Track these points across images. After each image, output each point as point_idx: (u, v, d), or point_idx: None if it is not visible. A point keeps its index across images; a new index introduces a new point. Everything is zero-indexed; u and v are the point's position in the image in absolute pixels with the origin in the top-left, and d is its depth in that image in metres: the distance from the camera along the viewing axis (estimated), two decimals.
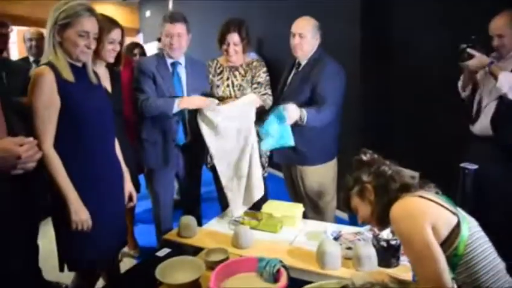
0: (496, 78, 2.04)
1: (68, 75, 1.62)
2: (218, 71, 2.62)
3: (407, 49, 3.09)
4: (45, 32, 1.69)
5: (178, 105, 2.27)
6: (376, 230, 1.69)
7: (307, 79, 2.40)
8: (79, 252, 1.70)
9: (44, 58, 1.65)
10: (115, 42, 2.19)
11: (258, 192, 2.27)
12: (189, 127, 2.43)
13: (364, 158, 1.45)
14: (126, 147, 2.11)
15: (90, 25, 1.63)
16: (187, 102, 2.29)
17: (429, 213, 1.21)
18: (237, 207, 2.25)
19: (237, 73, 2.60)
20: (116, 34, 2.17)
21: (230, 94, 2.55)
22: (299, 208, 2.23)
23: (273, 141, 2.18)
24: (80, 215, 1.62)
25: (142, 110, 2.32)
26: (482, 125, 2.18)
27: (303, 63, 2.49)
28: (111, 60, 2.24)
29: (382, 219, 1.34)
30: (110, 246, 1.82)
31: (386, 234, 1.72)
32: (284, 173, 2.73)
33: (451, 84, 2.47)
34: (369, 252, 1.65)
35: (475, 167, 2.04)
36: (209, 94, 2.54)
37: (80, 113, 1.65)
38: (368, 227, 1.93)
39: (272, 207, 2.21)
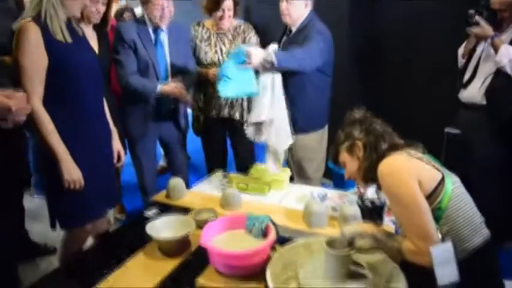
0: (496, 51, 2.07)
1: (65, 36, 1.59)
2: (205, 36, 2.55)
3: (395, 12, 3.07)
4: None
5: (160, 92, 2.25)
6: (360, 188, 1.73)
7: (295, 45, 2.29)
8: (70, 210, 1.71)
9: (30, 10, 1.59)
10: (99, 3, 2.13)
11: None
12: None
13: (357, 115, 1.46)
14: (113, 108, 2.09)
15: None
16: (168, 91, 2.26)
17: (415, 168, 1.25)
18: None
19: (225, 39, 2.54)
20: None
21: (219, 60, 2.51)
22: (286, 172, 2.26)
23: (233, 87, 2.05)
24: (72, 174, 1.62)
25: (121, 85, 2.28)
26: (471, 92, 2.23)
27: (294, 30, 2.38)
28: (96, 20, 2.18)
29: (367, 176, 1.38)
30: (100, 204, 1.83)
31: (371, 194, 1.77)
32: None
33: (440, 51, 2.49)
34: (354, 212, 1.69)
35: (458, 131, 2.11)
36: (196, 60, 2.52)
37: (68, 68, 1.61)
38: (353, 190, 1.98)
39: (260, 171, 2.23)
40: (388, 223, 1.75)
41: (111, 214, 2.92)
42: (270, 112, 2.08)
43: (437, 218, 1.22)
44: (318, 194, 2.02)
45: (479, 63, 2.25)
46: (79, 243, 1.84)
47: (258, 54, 2.03)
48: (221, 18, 2.46)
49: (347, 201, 1.93)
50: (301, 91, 2.30)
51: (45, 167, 1.67)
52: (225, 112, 2.59)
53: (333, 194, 2.06)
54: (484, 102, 2.19)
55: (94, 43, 2.15)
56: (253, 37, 2.57)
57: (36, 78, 1.55)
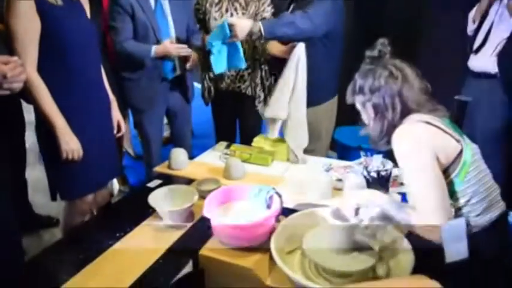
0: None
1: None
2: (216, 0, 2.38)
3: None
4: None
5: (155, 52, 2.16)
6: (366, 158, 1.69)
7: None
8: (70, 181, 1.69)
9: None
10: None
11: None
12: (177, 60, 2.32)
13: (378, 55, 1.29)
14: (110, 75, 2.02)
15: None
16: (163, 50, 2.16)
17: (433, 140, 1.17)
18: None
19: (237, 4, 2.34)
20: None
21: None
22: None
23: (223, 62, 1.99)
24: (71, 144, 1.59)
25: (116, 51, 2.20)
26: (482, 60, 2.15)
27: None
28: None
29: (383, 135, 1.29)
30: (101, 174, 1.80)
31: (377, 165, 1.73)
32: None
33: (449, 16, 2.40)
34: (360, 182, 1.66)
35: (469, 99, 2.05)
36: (202, 25, 2.40)
37: (62, 33, 1.55)
38: (358, 160, 1.95)
39: (263, 141, 2.19)
40: (394, 194, 1.73)
41: (115, 186, 2.92)
42: (287, 111, 2.01)
43: (452, 191, 1.17)
44: (322, 165, 1.98)
45: (492, 28, 2.15)
46: (81, 215, 1.83)
47: (243, 26, 1.88)
48: None
49: (352, 171, 1.90)
50: (307, 60, 2.11)
51: (43, 137, 1.64)
52: (236, 86, 2.48)
53: (337, 164, 2.03)
54: (496, 69, 2.11)
55: (86, 6, 2.05)
56: (267, 7, 2.36)
57: (29, 43, 1.49)
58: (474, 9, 2.26)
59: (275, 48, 2.25)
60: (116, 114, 1.91)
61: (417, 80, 1.26)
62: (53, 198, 1.75)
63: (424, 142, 1.16)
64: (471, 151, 1.20)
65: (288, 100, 2.00)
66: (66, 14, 1.57)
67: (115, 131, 1.92)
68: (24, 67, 1.42)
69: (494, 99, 2.11)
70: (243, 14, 2.34)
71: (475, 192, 1.19)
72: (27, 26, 1.48)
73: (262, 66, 2.48)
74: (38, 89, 1.52)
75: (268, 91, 2.49)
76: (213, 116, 2.72)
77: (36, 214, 2.60)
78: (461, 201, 1.19)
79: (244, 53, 2.27)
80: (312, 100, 2.14)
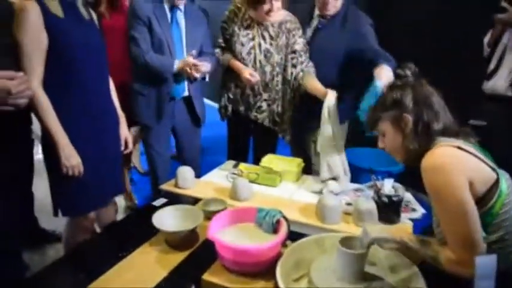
0: None
1: (57, 10, 1.52)
2: (245, 23, 2.27)
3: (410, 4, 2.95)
4: None
5: (177, 67, 2.16)
6: (377, 182, 1.64)
7: (340, 36, 2.17)
8: (72, 198, 1.68)
9: None
10: None
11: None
12: (187, 81, 2.32)
13: (410, 76, 1.25)
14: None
15: None
16: (184, 64, 2.15)
17: (466, 167, 1.09)
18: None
19: (266, 34, 2.26)
20: None
21: (255, 60, 2.29)
22: (299, 163, 2.18)
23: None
24: (71, 160, 1.58)
25: (136, 64, 2.19)
26: (496, 83, 2.12)
27: (329, 15, 2.22)
28: None
29: (409, 157, 1.23)
30: (104, 192, 1.78)
31: (388, 189, 1.68)
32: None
33: (464, 40, 2.37)
34: (370, 207, 1.61)
35: (483, 123, 2.00)
36: (226, 47, 2.36)
37: (69, 50, 1.56)
38: (369, 184, 1.90)
39: (272, 161, 2.16)
40: (405, 220, 1.67)
41: (121, 202, 2.90)
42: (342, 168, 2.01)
43: (486, 224, 1.09)
44: (332, 187, 1.94)
45: (505, 53, 2.13)
46: (83, 232, 1.80)
47: (388, 74, 1.80)
48: (269, 12, 2.14)
49: (362, 195, 1.86)
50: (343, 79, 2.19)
51: (47, 152, 1.63)
52: (252, 115, 2.42)
53: (347, 187, 1.98)
54: (510, 93, 2.07)
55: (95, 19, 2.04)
56: (299, 39, 2.25)
57: (35, 58, 1.50)
58: (489, 34, 2.24)
59: (312, 85, 2.16)
60: (124, 131, 1.90)
61: (443, 102, 1.23)
62: (55, 214, 1.73)
63: (457, 171, 1.08)
64: (506, 181, 1.13)
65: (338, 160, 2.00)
66: (75, 29, 1.58)
67: (122, 148, 1.90)
68: (30, 82, 1.43)
69: (508, 123, 2.07)
70: (271, 44, 2.27)
71: (509, 227, 1.11)
72: (35, 40, 1.49)
73: (284, 99, 2.41)
74: (41, 103, 1.52)
75: (288, 124, 2.44)
76: (228, 132, 2.67)
77: (41, 229, 2.58)
78: (495, 235, 1.11)
79: (270, 83, 2.31)
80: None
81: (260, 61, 2.29)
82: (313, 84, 2.15)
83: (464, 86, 2.33)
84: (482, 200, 1.10)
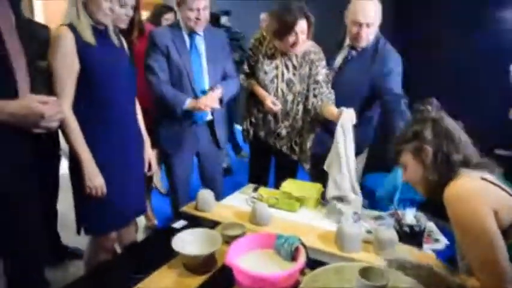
0: None
1: (90, 38, 1.60)
2: (269, 52, 2.28)
3: (439, 39, 2.94)
4: None
5: (188, 106, 2.17)
6: (399, 211, 1.62)
7: (368, 70, 2.21)
8: (95, 217, 1.72)
9: (65, 19, 1.63)
10: (127, 6, 2.06)
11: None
12: None
13: (431, 111, 1.27)
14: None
15: None
16: (195, 106, 2.16)
17: (491, 197, 1.09)
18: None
19: (289, 63, 2.27)
20: None
21: (277, 88, 2.31)
22: (319, 189, 2.17)
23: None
24: (94, 180, 1.63)
25: (152, 92, 2.21)
26: None
27: (359, 48, 2.25)
28: (123, 26, 2.09)
29: (431, 189, 1.23)
30: (127, 212, 1.82)
31: (409, 219, 1.65)
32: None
33: (489, 68, 2.35)
34: (391, 236, 1.58)
35: (510, 153, 1.96)
36: (250, 73, 2.39)
37: (98, 75, 1.63)
38: (390, 211, 1.87)
39: (292, 186, 2.15)
40: (428, 251, 1.63)
41: (141, 222, 2.93)
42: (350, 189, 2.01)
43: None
44: (351, 214, 1.91)
45: None
46: (104, 251, 1.84)
47: None
48: (294, 43, 2.15)
49: (383, 224, 1.83)
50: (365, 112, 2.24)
51: (72, 169, 1.69)
52: (272, 140, 2.43)
53: (367, 214, 1.95)
54: None
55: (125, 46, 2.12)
56: (321, 70, 2.25)
57: (67, 83, 1.59)
58: None
59: (328, 110, 2.18)
60: (148, 153, 1.95)
61: (465, 135, 1.24)
62: (78, 232, 1.77)
63: (481, 201, 1.08)
64: None
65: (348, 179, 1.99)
66: (106, 56, 1.66)
67: (146, 169, 1.94)
68: (61, 106, 1.49)
69: None
70: (294, 74, 2.28)
71: None
72: (67, 66, 1.58)
73: (304, 126, 2.41)
74: (70, 124, 1.60)
75: (308, 154, 2.44)
76: (250, 154, 2.69)
77: (63, 245, 2.62)
78: None
79: (290, 111, 2.33)
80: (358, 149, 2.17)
81: (282, 90, 2.30)
82: (329, 109, 2.16)
83: (491, 115, 2.29)
84: (508, 231, 1.08)
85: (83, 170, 1.62)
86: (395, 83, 2.16)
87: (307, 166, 2.47)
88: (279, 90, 2.31)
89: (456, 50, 2.80)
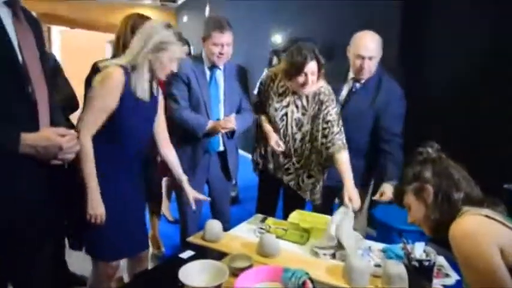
0: None
1: (143, 95, 1.74)
2: (280, 90, 2.32)
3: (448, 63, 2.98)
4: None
5: (209, 125, 2.25)
6: (407, 246, 1.60)
7: (372, 102, 2.34)
8: (98, 242, 1.79)
9: (122, 59, 1.73)
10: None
11: None
12: (223, 135, 2.40)
13: (431, 152, 1.31)
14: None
15: (179, 52, 1.77)
16: (214, 126, 2.25)
17: (496, 234, 1.09)
18: None
19: (299, 103, 2.28)
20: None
21: (286, 126, 2.32)
22: (328, 220, 2.16)
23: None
24: (96, 209, 1.68)
25: (172, 119, 2.27)
26: None
27: (362, 80, 2.38)
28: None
29: (435, 227, 1.25)
30: (127, 245, 1.88)
31: (419, 253, 1.63)
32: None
33: (493, 98, 2.35)
34: (400, 272, 1.56)
35: None
36: (261, 107, 2.43)
37: (126, 123, 1.74)
38: (399, 245, 1.85)
39: (300, 217, 2.15)
40: (437, 286, 1.61)
41: (149, 250, 2.92)
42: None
43: None
44: (360, 248, 1.90)
45: None
46: (107, 279, 1.87)
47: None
48: (304, 84, 2.17)
49: (392, 258, 1.80)
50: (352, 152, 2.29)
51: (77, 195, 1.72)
52: (279, 175, 2.45)
53: (376, 248, 1.93)
54: None
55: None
56: (332, 110, 2.24)
57: (98, 118, 1.67)
58: None
59: (341, 168, 2.20)
60: (189, 191, 2.08)
61: (466, 174, 1.27)
62: (70, 246, 1.87)
63: (487, 238, 1.08)
64: None
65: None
66: (140, 105, 1.76)
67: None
68: (80, 134, 1.58)
69: None
70: (303, 114, 2.29)
71: None
72: (106, 105, 1.66)
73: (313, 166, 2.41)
74: (86, 154, 1.65)
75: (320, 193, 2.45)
76: (258, 184, 2.69)
77: (71, 272, 2.62)
78: None
79: (299, 149, 2.36)
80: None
81: (291, 128, 2.32)
82: (342, 168, 2.18)
83: (503, 149, 2.29)
84: None
85: (88, 197, 1.67)
86: (394, 121, 2.32)
87: (318, 202, 2.46)
88: (289, 128, 2.33)
89: (467, 81, 2.82)
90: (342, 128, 2.27)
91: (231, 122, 2.26)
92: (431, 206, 1.25)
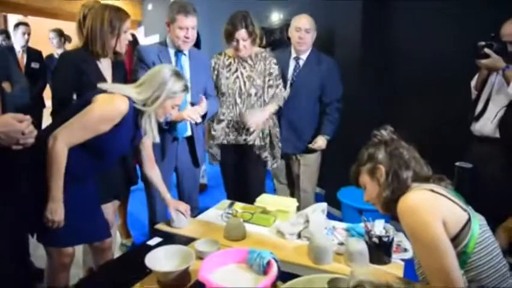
0: (508, 83, 2.03)
1: (154, 138, 1.84)
2: (226, 62, 2.59)
3: (409, 47, 3.08)
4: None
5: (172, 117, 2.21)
6: (367, 224, 1.67)
7: (316, 74, 2.77)
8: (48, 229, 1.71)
9: (132, 92, 1.74)
10: (128, 32, 2.10)
11: None
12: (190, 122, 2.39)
13: (385, 134, 1.38)
14: None
15: (180, 100, 1.84)
16: (179, 116, 2.22)
17: (440, 208, 1.16)
18: None
19: (246, 64, 2.57)
20: (128, 23, 2.08)
21: (240, 86, 2.54)
22: (293, 203, 2.21)
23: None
24: (55, 216, 1.64)
25: None
26: (484, 125, 2.17)
27: (303, 57, 2.82)
28: (124, 51, 2.14)
29: (387, 204, 1.30)
30: (84, 232, 1.86)
31: (378, 230, 1.71)
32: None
33: (452, 82, 2.45)
34: (361, 248, 1.63)
35: (470, 165, 2.04)
36: (217, 88, 2.56)
37: (111, 147, 1.76)
38: (360, 224, 1.92)
39: (266, 201, 2.19)
40: (397, 261, 1.69)
41: (117, 239, 2.90)
42: None
43: (461, 263, 1.14)
44: (325, 227, 1.96)
45: (491, 95, 2.20)
46: (63, 269, 1.83)
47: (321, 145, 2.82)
48: (236, 48, 2.47)
49: (354, 236, 1.87)
50: (304, 118, 2.83)
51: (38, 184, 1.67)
52: (242, 138, 2.59)
53: (340, 227, 2.00)
54: (497, 135, 2.12)
55: (108, 72, 2.13)
56: (274, 65, 2.59)
57: (84, 135, 1.64)
58: (475, 77, 2.32)
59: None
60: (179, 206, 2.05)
61: (417, 154, 1.34)
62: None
63: (431, 212, 1.15)
64: (478, 222, 1.19)
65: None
66: (129, 136, 1.80)
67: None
68: (57, 141, 1.59)
69: (496, 164, 2.10)
70: (251, 71, 2.55)
71: (484, 266, 1.15)
72: (98, 129, 1.65)
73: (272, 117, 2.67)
74: (58, 161, 1.61)
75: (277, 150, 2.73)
76: (222, 174, 2.81)
77: (36, 268, 2.56)
78: (471, 274, 1.15)
79: (255, 104, 2.56)
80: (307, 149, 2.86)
81: (245, 86, 2.54)
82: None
83: (456, 128, 2.39)
84: (456, 239, 1.15)
85: (49, 202, 1.63)
86: (335, 87, 2.80)
87: (275, 164, 2.74)
88: (242, 87, 2.55)
89: (420, 63, 2.94)
90: (281, 82, 2.65)
91: (197, 114, 2.25)
92: (383, 184, 1.31)
